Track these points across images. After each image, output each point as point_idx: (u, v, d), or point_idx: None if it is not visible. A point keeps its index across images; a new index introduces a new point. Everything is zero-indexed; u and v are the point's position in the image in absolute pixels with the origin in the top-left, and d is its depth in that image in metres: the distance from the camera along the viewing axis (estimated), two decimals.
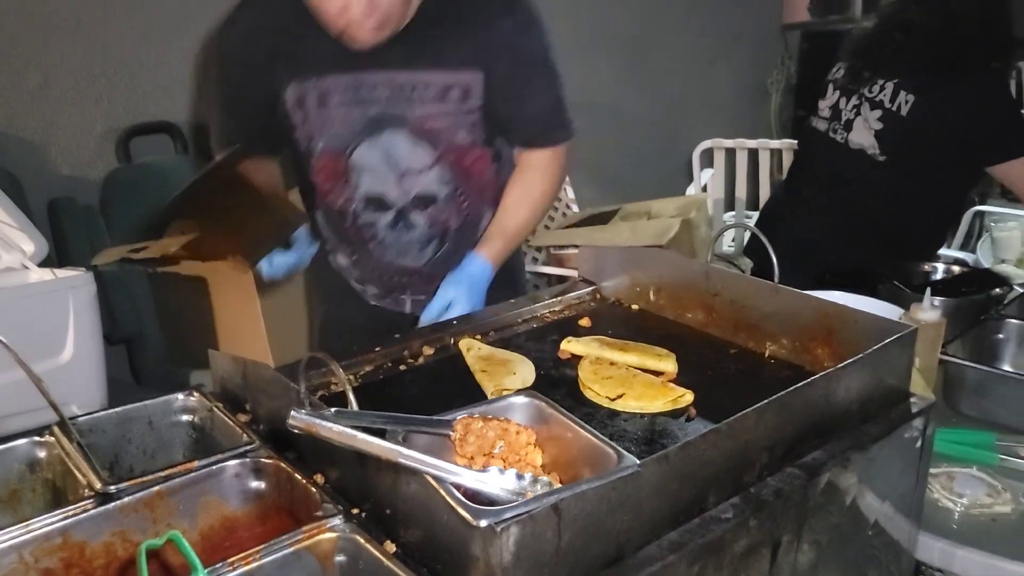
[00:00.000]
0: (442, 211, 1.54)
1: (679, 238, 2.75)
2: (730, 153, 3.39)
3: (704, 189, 3.53)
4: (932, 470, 1.23)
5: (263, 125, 1.52)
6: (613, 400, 1.05)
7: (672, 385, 1.07)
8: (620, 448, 0.78)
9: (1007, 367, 1.53)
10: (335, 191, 1.54)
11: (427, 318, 1.41)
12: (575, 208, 3.50)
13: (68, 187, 2.72)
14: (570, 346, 1.20)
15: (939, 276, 1.74)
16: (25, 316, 1.83)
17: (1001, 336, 1.56)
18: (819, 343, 1.11)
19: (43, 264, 2.19)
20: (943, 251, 2.87)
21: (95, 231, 2.61)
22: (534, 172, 1.56)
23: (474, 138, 1.50)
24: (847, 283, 1.63)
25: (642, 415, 1.03)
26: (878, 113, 1.94)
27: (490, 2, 1.46)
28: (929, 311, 1.36)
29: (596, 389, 1.08)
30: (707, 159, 3.50)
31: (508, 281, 1.59)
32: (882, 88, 1.95)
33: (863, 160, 1.98)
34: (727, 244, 3.41)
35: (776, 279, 1.19)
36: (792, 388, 0.89)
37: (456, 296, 1.42)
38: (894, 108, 1.92)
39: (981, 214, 2.73)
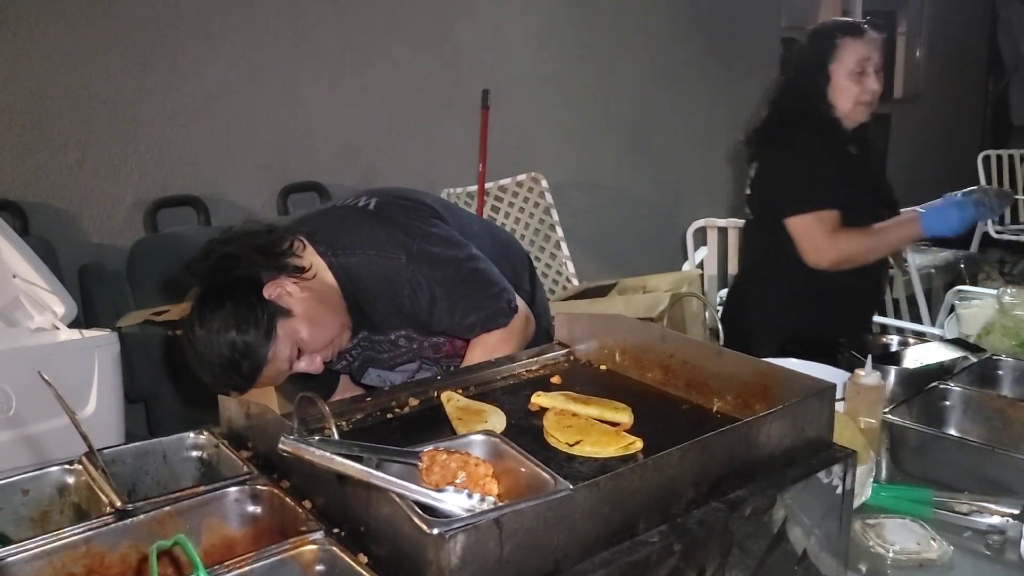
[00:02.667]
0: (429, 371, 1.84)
1: (672, 311, 2.91)
2: (723, 231, 3.56)
3: (700, 266, 3.69)
4: (869, 520, 1.35)
5: None
6: (571, 446, 1.19)
7: (625, 434, 1.21)
8: (559, 477, 0.92)
9: (952, 431, 1.65)
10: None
11: None
12: (575, 282, 3.66)
13: (98, 253, 2.92)
14: (539, 399, 1.35)
15: (895, 348, 1.88)
16: (54, 372, 2.03)
17: (948, 403, 1.68)
18: (757, 399, 1.25)
19: (72, 325, 2.37)
20: (913, 326, 3.02)
21: (121, 295, 2.80)
22: (494, 336, 1.73)
23: (437, 342, 1.78)
24: (811, 352, 1.78)
25: (596, 459, 1.17)
26: (748, 180, 2.33)
27: (388, 285, 1.64)
28: (870, 376, 1.49)
29: (557, 436, 1.21)
30: (701, 237, 3.67)
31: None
32: (752, 160, 2.33)
33: (748, 223, 2.40)
34: None
35: (721, 342, 1.33)
36: (715, 432, 1.03)
37: None
38: (752, 174, 2.31)
39: (957, 293, 2.88)
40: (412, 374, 1.85)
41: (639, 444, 1.18)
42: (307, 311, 1.56)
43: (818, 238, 2.15)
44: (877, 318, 3.12)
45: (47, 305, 2.36)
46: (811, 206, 2.16)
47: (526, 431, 1.26)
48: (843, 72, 2.18)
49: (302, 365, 1.59)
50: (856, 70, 2.17)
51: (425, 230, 1.67)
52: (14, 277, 2.34)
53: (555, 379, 1.46)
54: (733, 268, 3.71)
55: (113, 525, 0.98)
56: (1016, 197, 5.39)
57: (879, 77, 2.19)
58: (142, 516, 1.00)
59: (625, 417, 1.28)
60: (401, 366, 1.83)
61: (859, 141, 2.28)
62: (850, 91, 2.18)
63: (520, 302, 1.77)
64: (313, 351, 1.59)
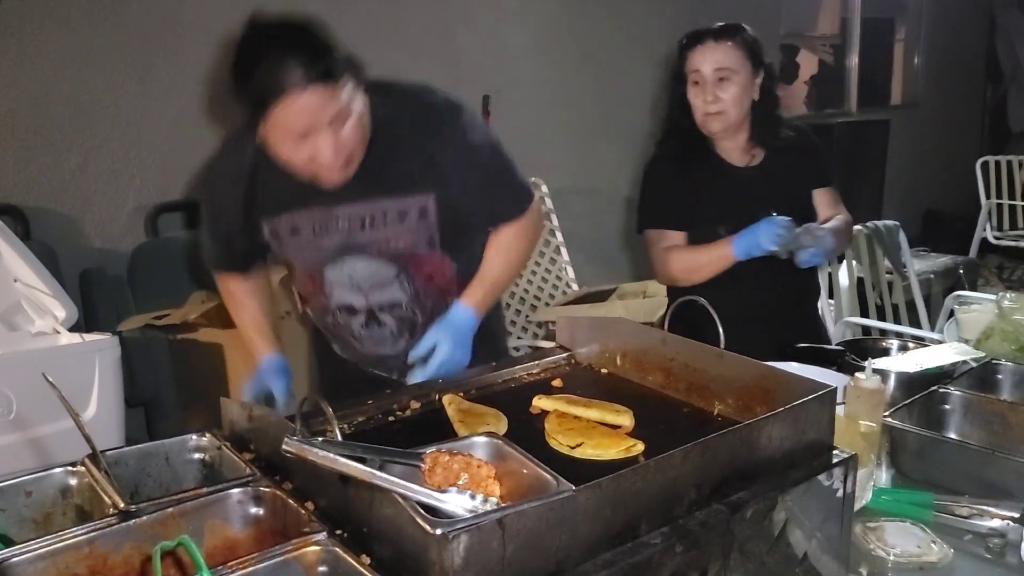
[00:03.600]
0: (407, 311, 1.72)
1: None
2: None
3: None
4: (870, 524, 1.35)
5: (242, 250, 1.76)
6: (573, 448, 1.19)
7: (626, 436, 1.22)
8: (561, 478, 0.93)
9: (952, 434, 1.65)
10: (314, 299, 1.77)
11: (413, 356, 1.61)
12: (575, 287, 3.67)
13: (100, 258, 2.93)
14: (540, 402, 1.35)
15: (895, 352, 1.89)
16: (55, 376, 2.04)
17: (948, 406, 1.69)
18: (758, 402, 1.25)
19: (73, 329, 2.38)
20: (913, 330, 3.03)
21: (122, 299, 2.81)
22: (508, 232, 1.73)
23: (433, 248, 1.66)
24: (812, 356, 1.80)
25: (598, 461, 1.17)
26: None
27: (432, 121, 1.60)
28: (870, 380, 1.50)
29: (559, 439, 1.22)
30: None
31: (490, 340, 1.76)
32: None
33: None
34: None
35: (722, 345, 1.34)
36: (716, 433, 1.03)
37: (440, 339, 1.59)
38: None
39: (956, 298, 2.89)
40: (385, 304, 1.70)
41: (640, 446, 1.18)
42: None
43: (652, 255, 2.14)
44: (875, 323, 3.13)
45: (48, 309, 2.37)
46: (645, 224, 2.16)
47: (528, 434, 1.26)
48: (688, 83, 2.06)
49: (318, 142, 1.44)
50: (693, 80, 2.04)
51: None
52: (15, 281, 2.35)
53: (556, 382, 1.47)
54: None
55: (116, 526, 0.99)
56: (1015, 203, 5.41)
57: (724, 86, 2.00)
58: (145, 517, 1.00)
59: (626, 420, 1.28)
60: (384, 262, 1.65)
61: (771, 150, 2.12)
62: (693, 103, 2.06)
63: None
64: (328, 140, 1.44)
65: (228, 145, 1.72)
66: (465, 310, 1.66)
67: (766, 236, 1.92)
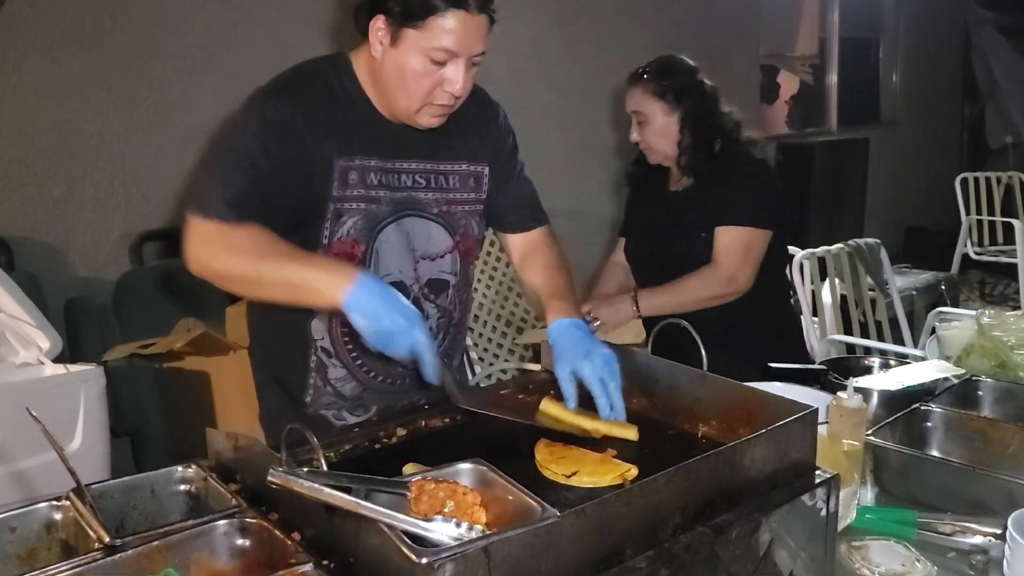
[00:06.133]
0: (450, 300, 1.62)
1: None
2: None
3: None
4: (854, 543, 1.36)
5: (278, 196, 1.41)
6: (568, 477, 1.20)
7: (619, 461, 1.22)
8: (546, 504, 0.93)
9: (934, 452, 1.67)
10: None
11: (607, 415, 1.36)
12: None
13: (85, 287, 2.92)
14: (547, 407, 1.36)
15: (877, 370, 1.91)
16: (39, 408, 2.04)
17: (929, 424, 1.70)
18: (742, 424, 1.26)
19: (57, 359, 2.37)
20: (896, 347, 3.05)
21: (107, 328, 2.80)
22: (540, 247, 1.71)
23: (478, 231, 1.65)
24: (795, 375, 1.81)
25: (594, 488, 1.17)
26: None
27: (487, 106, 1.66)
28: (852, 399, 1.51)
29: (553, 468, 1.22)
30: None
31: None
32: None
33: None
34: None
35: (704, 367, 1.35)
36: (699, 456, 1.04)
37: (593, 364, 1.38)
38: None
39: (938, 315, 2.92)
40: (433, 282, 1.58)
41: (634, 471, 1.18)
42: None
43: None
44: (858, 340, 3.16)
45: (32, 340, 2.36)
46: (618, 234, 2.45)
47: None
48: None
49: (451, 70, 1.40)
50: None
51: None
52: None
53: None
54: None
55: (101, 561, 0.98)
56: (994, 219, 5.47)
57: (641, 127, 2.22)
58: (131, 551, 1.00)
59: (632, 434, 1.30)
60: (443, 228, 1.58)
61: (697, 179, 2.19)
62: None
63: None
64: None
65: (314, 68, 1.51)
66: (572, 323, 1.49)
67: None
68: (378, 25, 1.40)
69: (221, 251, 1.34)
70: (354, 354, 1.56)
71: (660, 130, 2.17)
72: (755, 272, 2.12)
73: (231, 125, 1.45)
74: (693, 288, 2.11)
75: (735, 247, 2.10)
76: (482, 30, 1.39)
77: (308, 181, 1.44)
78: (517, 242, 1.73)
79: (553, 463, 1.23)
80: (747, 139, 2.20)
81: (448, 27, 1.35)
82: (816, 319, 3.18)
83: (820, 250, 3.25)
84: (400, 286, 1.52)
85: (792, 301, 2.49)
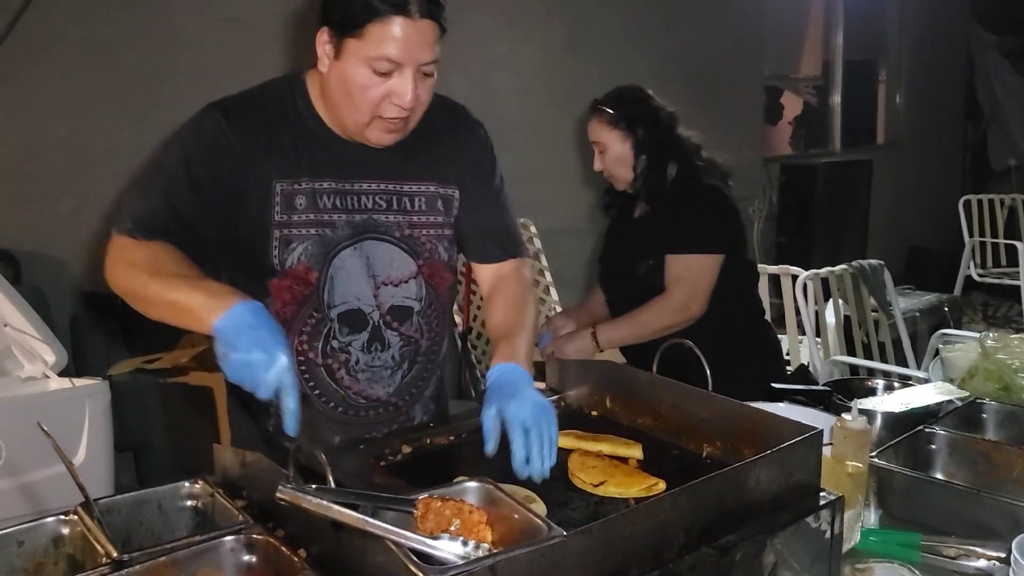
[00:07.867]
0: (415, 328, 1.53)
1: None
2: None
3: None
4: (858, 565, 1.36)
5: (201, 215, 1.38)
6: (596, 486, 1.22)
7: (647, 474, 1.23)
8: (552, 524, 0.94)
9: (938, 474, 1.67)
10: (301, 311, 1.46)
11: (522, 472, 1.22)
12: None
13: (90, 302, 2.93)
14: None
15: (880, 392, 1.91)
16: (44, 421, 2.05)
17: (933, 446, 1.70)
18: (746, 444, 1.27)
19: (63, 373, 2.38)
20: (899, 369, 3.06)
21: (113, 343, 2.81)
22: (505, 282, 1.59)
23: (447, 256, 1.56)
24: (801, 396, 1.82)
25: (621, 499, 1.19)
26: None
27: (462, 124, 1.59)
28: (856, 420, 1.52)
29: (582, 477, 1.24)
30: None
31: (439, 402, 1.67)
32: None
33: None
34: None
35: (710, 387, 1.36)
36: (705, 477, 1.05)
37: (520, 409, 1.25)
38: None
39: (941, 337, 2.92)
40: (395, 309, 1.50)
41: (662, 485, 1.20)
42: None
43: None
44: (862, 362, 3.16)
45: (38, 354, 2.37)
46: None
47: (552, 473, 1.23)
48: None
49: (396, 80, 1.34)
50: None
51: None
52: (5, 326, 2.35)
53: None
54: None
55: None
56: (998, 241, 5.48)
57: (602, 155, 2.22)
58: (137, 567, 1.00)
59: (636, 452, 1.31)
60: (406, 252, 1.51)
61: (652, 206, 2.22)
62: None
63: None
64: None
65: (267, 89, 1.47)
66: (511, 368, 1.37)
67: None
68: (324, 38, 1.35)
69: (120, 266, 1.32)
70: (312, 383, 1.49)
71: (617, 158, 2.18)
72: (707, 297, 2.11)
73: (166, 141, 1.43)
74: (647, 320, 2.11)
75: (686, 276, 2.10)
76: (428, 37, 1.32)
77: (243, 204, 1.40)
78: (485, 273, 1.62)
79: (583, 472, 1.25)
80: (708, 161, 2.20)
81: (389, 35, 1.29)
82: (819, 340, 3.18)
83: (823, 271, 3.26)
84: (357, 314, 1.48)
85: (766, 317, 2.47)
